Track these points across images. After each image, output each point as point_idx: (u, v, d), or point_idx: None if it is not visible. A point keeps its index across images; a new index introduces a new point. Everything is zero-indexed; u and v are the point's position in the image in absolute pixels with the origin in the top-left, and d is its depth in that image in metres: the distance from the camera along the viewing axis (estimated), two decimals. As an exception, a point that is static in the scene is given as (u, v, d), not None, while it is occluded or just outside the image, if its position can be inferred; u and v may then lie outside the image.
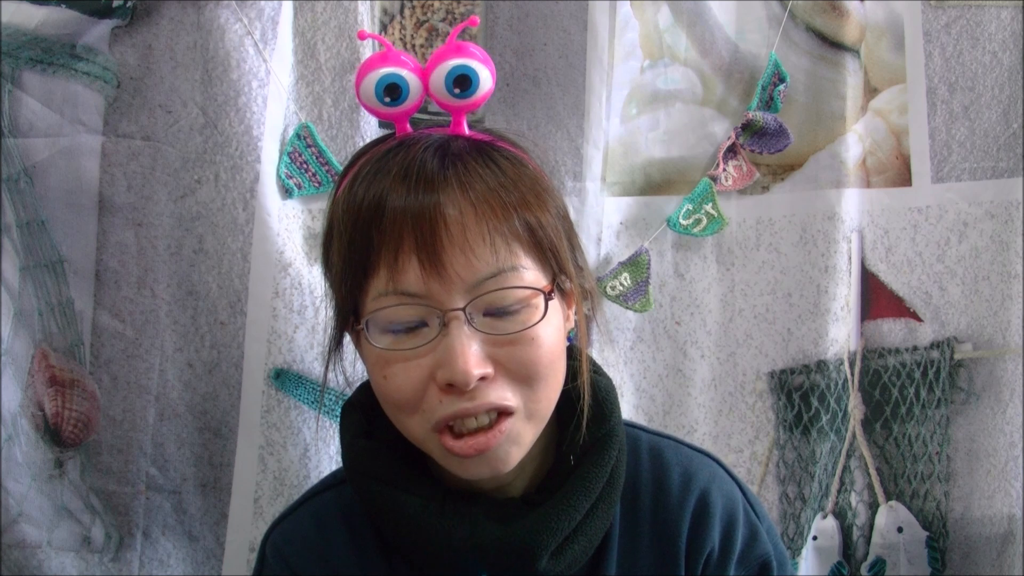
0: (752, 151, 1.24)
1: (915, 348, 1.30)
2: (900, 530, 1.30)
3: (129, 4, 1.06)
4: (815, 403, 1.27)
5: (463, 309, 0.74)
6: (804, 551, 1.29)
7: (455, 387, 0.74)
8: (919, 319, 1.29)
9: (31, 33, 1.03)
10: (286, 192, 1.14)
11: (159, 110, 1.09)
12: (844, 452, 1.30)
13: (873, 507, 1.31)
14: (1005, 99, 1.27)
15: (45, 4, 1.02)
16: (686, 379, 1.26)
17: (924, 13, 1.25)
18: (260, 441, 1.14)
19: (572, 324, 0.84)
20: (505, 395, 0.76)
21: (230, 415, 1.14)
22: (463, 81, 0.80)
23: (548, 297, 0.77)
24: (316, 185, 1.15)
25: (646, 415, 1.25)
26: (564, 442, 0.84)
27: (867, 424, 1.30)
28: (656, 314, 1.25)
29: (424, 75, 0.81)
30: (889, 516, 1.31)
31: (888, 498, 1.31)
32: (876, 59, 1.26)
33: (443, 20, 1.18)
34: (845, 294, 1.26)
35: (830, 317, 1.26)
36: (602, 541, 0.85)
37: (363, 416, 0.86)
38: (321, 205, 1.16)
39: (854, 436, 1.30)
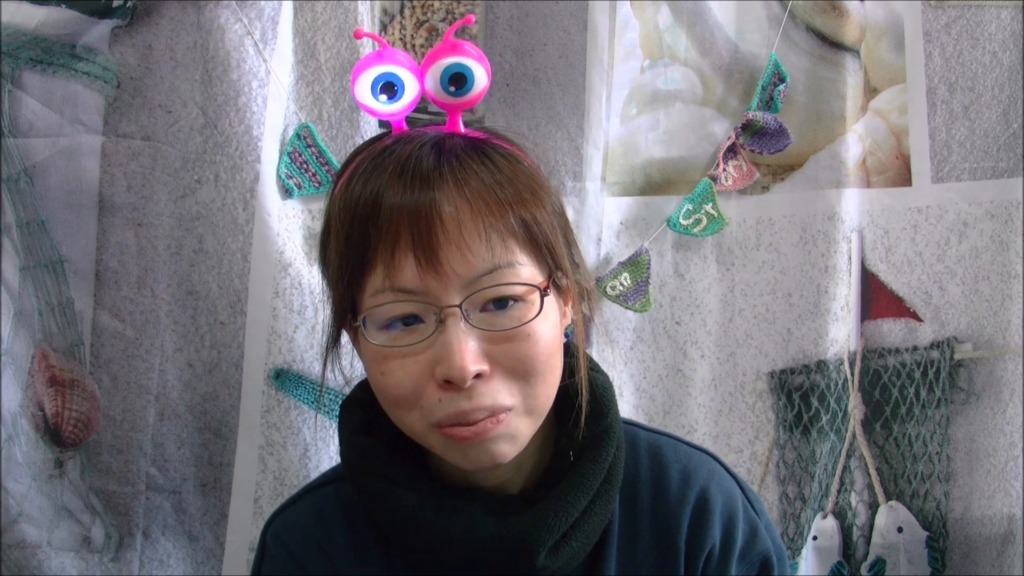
0: (752, 151, 1.24)
1: (915, 348, 1.30)
2: (900, 530, 1.30)
3: (129, 4, 1.06)
4: (815, 403, 1.27)
5: (459, 305, 0.74)
6: (804, 551, 1.29)
7: (452, 383, 0.74)
8: (919, 319, 1.29)
9: (31, 33, 1.03)
10: (286, 192, 1.14)
11: (159, 110, 1.09)
12: (844, 452, 1.30)
13: (873, 507, 1.31)
14: (1005, 99, 1.27)
15: (45, 4, 1.02)
16: (686, 379, 1.26)
17: (924, 13, 1.25)
18: (260, 441, 1.14)
19: (569, 321, 0.84)
20: (501, 396, 0.76)
21: (230, 415, 1.14)
22: (458, 79, 0.80)
23: (544, 293, 0.77)
24: (316, 185, 1.15)
25: (646, 415, 1.25)
26: (561, 439, 0.84)
27: (867, 424, 1.30)
28: (656, 314, 1.25)
29: (420, 73, 0.81)
30: (889, 516, 1.31)
31: (888, 498, 1.31)
32: (876, 59, 1.26)
33: (443, 20, 1.18)
34: (845, 294, 1.26)
35: (830, 317, 1.26)
36: (601, 538, 0.85)
37: (362, 413, 0.86)
38: (321, 205, 1.15)
39: (854, 436, 1.30)
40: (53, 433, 1.12)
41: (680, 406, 1.26)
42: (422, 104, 1.20)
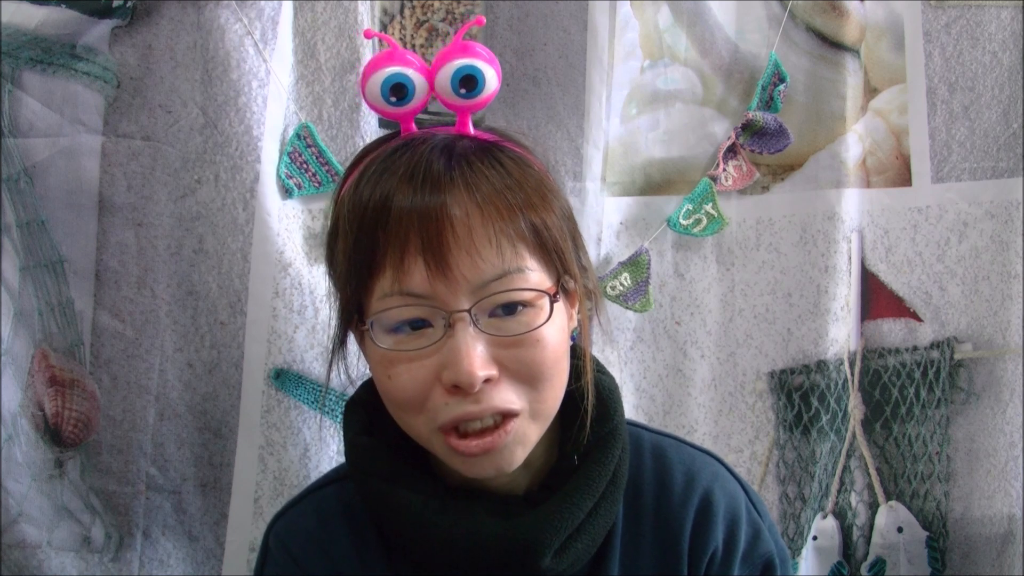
0: (752, 151, 1.24)
1: (915, 348, 1.30)
2: (900, 530, 1.30)
3: (129, 4, 1.06)
4: (815, 403, 1.27)
5: (468, 311, 0.74)
6: (804, 551, 1.29)
7: (460, 388, 0.74)
8: (919, 319, 1.29)
9: (31, 33, 1.03)
10: (286, 192, 1.14)
11: (159, 110, 1.09)
12: (844, 452, 1.30)
13: (873, 507, 1.31)
14: (1005, 99, 1.27)
15: (45, 4, 1.02)
16: (686, 379, 1.26)
17: (924, 13, 1.25)
18: (260, 441, 1.14)
19: (575, 324, 0.84)
20: (510, 398, 0.76)
21: (230, 415, 1.14)
22: (469, 81, 0.80)
23: (553, 299, 0.77)
24: (316, 185, 1.15)
25: (646, 415, 1.25)
26: (567, 440, 0.84)
27: (867, 424, 1.30)
28: (656, 314, 1.25)
29: (430, 75, 0.80)
30: (889, 516, 1.31)
31: (888, 498, 1.31)
32: (876, 59, 1.26)
33: (443, 20, 1.18)
34: (845, 294, 1.26)
35: (830, 317, 1.26)
36: (604, 540, 0.85)
37: (365, 413, 0.86)
38: (321, 205, 1.16)
39: (854, 436, 1.30)
40: (53, 433, 1.12)
41: (680, 406, 1.26)
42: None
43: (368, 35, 0.84)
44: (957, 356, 1.30)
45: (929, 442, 1.30)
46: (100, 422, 1.12)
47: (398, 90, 0.80)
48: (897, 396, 1.30)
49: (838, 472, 1.30)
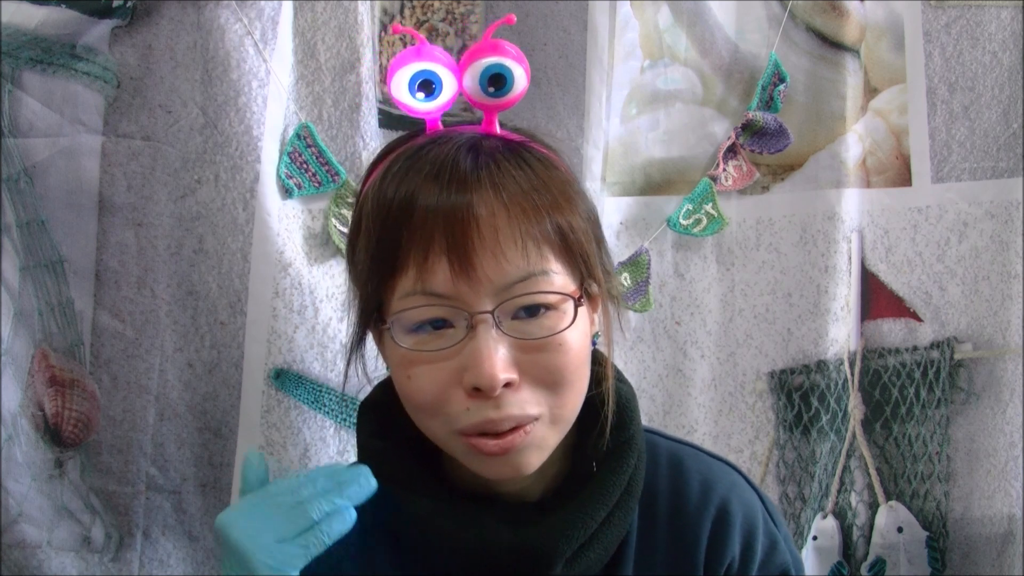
0: (752, 151, 1.24)
1: (915, 348, 1.30)
2: (900, 530, 1.30)
3: (129, 4, 1.06)
4: (815, 403, 1.27)
5: (491, 312, 0.73)
6: (804, 551, 1.29)
7: (481, 391, 0.73)
8: (919, 319, 1.29)
9: (31, 33, 1.03)
10: (286, 192, 1.14)
11: (159, 110, 1.09)
12: (844, 452, 1.30)
13: (873, 507, 1.31)
14: (1005, 99, 1.27)
15: (45, 4, 1.02)
16: (686, 379, 1.26)
17: (924, 13, 1.25)
18: (260, 441, 1.14)
19: (596, 328, 0.83)
20: (530, 405, 0.75)
21: (230, 415, 1.14)
22: (498, 80, 0.78)
23: (577, 303, 0.76)
24: (316, 185, 1.14)
25: (646, 415, 1.25)
26: (582, 447, 0.83)
27: (867, 424, 1.30)
28: (656, 314, 1.25)
29: (458, 72, 0.79)
30: (889, 516, 1.31)
31: (888, 498, 1.31)
32: (876, 59, 1.26)
33: (443, 20, 1.18)
34: (845, 294, 1.26)
35: (830, 317, 1.26)
36: (618, 547, 0.84)
37: (378, 416, 0.85)
38: (321, 205, 1.16)
39: (854, 436, 1.30)
40: (53, 433, 1.12)
41: (680, 406, 1.26)
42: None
43: (397, 31, 0.83)
44: (957, 356, 1.30)
45: (929, 442, 1.30)
46: (100, 422, 1.12)
47: (425, 86, 0.78)
48: (897, 396, 1.30)
49: (838, 472, 1.30)
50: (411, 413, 0.79)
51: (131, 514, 1.14)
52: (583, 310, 0.77)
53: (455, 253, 0.72)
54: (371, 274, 0.77)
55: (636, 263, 1.22)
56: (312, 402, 1.14)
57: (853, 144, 1.25)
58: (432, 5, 1.18)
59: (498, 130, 0.81)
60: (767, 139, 1.24)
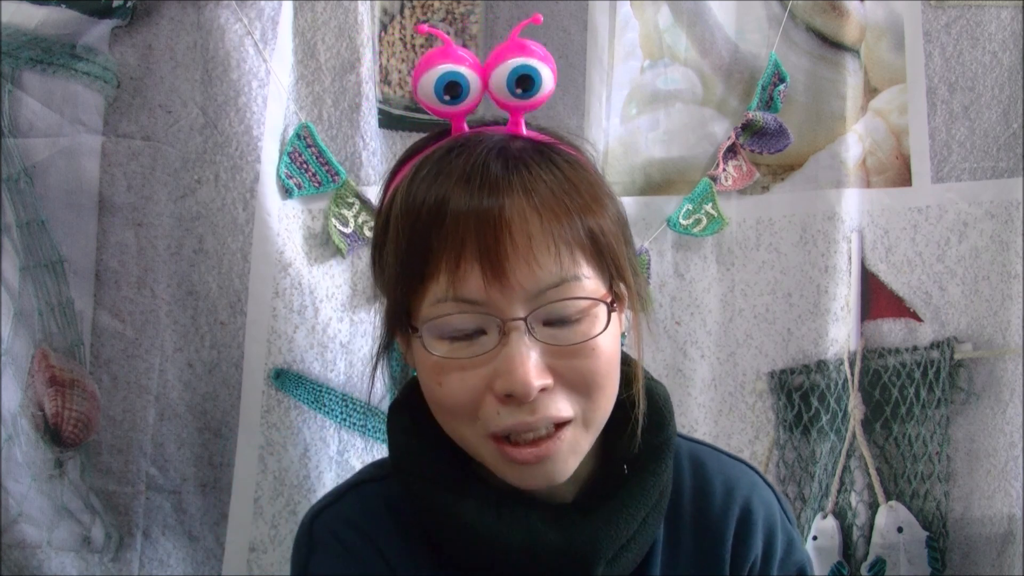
0: (752, 151, 1.24)
1: (915, 348, 1.30)
2: (900, 530, 1.30)
3: (129, 4, 1.06)
4: (815, 403, 1.27)
5: (524, 319, 0.72)
6: (804, 551, 1.29)
7: (514, 398, 0.73)
8: (919, 319, 1.29)
9: (31, 33, 1.03)
10: (286, 192, 1.14)
11: (159, 110, 1.09)
12: (844, 452, 1.30)
13: (873, 507, 1.31)
14: (1005, 99, 1.27)
15: (45, 4, 1.02)
16: (686, 379, 1.26)
17: (924, 13, 1.25)
18: (260, 441, 1.14)
19: (623, 329, 0.82)
20: (564, 407, 0.75)
21: (230, 415, 1.14)
22: (525, 81, 0.77)
23: (610, 307, 0.75)
24: (316, 185, 1.14)
25: (646, 415, 1.25)
26: (612, 448, 0.82)
27: (867, 424, 1.30)
28: (656, 314, 1.25)
29: (484, 72, 0.78)
30: (889, 516, 1.31)
31: (888, 498, 1.31)
32: (876, 59, 1.26)
33: (443, 20, 1.18)
34: (845, 294, 1.26)
35: (830, 317, 1.26)
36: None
37: (411, 417, 0.84)
38: (321, 205, 1.15)
39: (854, 436, 1.30)
40: (53, 433, 1.12)
41: (680, 406, 1.26)
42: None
43: (421, 31, 0.81)
44: (957, 356, 1.30)
45: (929, 442, 1.30)
46: (100, 422, 1.12)
47: (452, 88, 0.77)
48: (897, 396, 1.30)
49: (838, 472, 1.30)
50: (440, 418, 0.78)
51: (131, 514, 1.14)
52: (614, 314, 0.77)
53: (487, 259, 0.71)
54: (400, 279, 0.76)
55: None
56: (312, 402, 1.14)
57: (853, 144, 1.25)
58: (432, 5, 1.18)
59: (524, 131, 0.80)
60: (767, 139, 1.24)
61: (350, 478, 0.93)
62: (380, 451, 1.18)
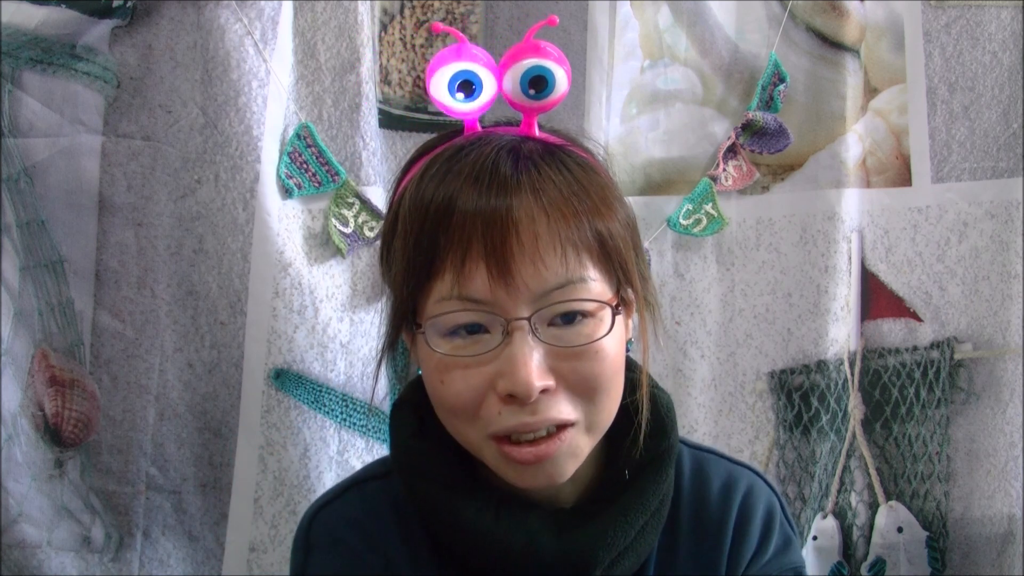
0: (752, 151, 1.24)
1: (915, 348, 1.30)
2: (900, 530, 1.30)
3: (129, 4, 1.06)
4: (815, 403, 1.27)
5: (528, 319, 0.72)
6: (804, 551, 1.29)
7: (516, 398, 0.73)
8: (919, 319, 1.29)
9: (31, 33, 1.03)
10: (286, 192, 1.14)
11: (159, 110, 1.09)
12: (844, 452, 1.30)
13: (873, 507, 1.31)
14: (1005, 99, 1.27)
15: (45, 4, 1.02)
16: (686, 379, 1.26)
17: (924, 13, 1.25)
18: (260, 441, 1.14)
19: (630, 334, 0.82)
20: (566, 409, 0.74)
21: (230, 415, 1.14)
22: (539, 82, 0.77)
23: (615, 311, 0.75)
24: (316, 185, 1.14)
25: (646, 415, 1.25)
26: (615, 453, 0.82)
27: (867, 424, 1.30)
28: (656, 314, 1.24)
29: (498, 73, 0.78)
30: (889, 516, 1.31)
31: (888, 498, 1.31)
32: (876, 59, 1.26)
33: (443, 20, 1.18)
34: (845, 294, 1.26)
35: (830, 317, 1.26)
36: None
37: (415, 415, 0.84)
38: (321, 205, 1.16)
39: (854, 436, 1.30)
40: (53, 433, 1.12)
41: (680, 406, 1.26)
42: (423, 103, 1.20)
43: (437, 29, 0.81)
44: (957, 356, 1.30)
45: (929, 442, 1.30)
46: (100, 422, 1.12)
47: (465, 87, 0.77)
48: (897, 396, 1.30)
49: (838, 472, 1.30)
50: (443, 417, 0.78)
51: (131, 514, 1.14)
52: (619, 317, 0.76)
53: (493, 259, 0.71)
54: (407, 276, 0.76)
55: (636, 263, 1.22)
56: (312, 402, 1.14)
57: (853, 144, 1.25)
58: (432, 5, 1.18)
59: (537, 132, 0.80)
60: (767, 139, 1.24)
61: (352, 475, 0.93)
62: (380, 451, 1.18)
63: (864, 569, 1.31)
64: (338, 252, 1.15)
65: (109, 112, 1.09)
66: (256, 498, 1.15)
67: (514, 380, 0.72)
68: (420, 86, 1.19)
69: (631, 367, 0.82)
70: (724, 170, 1.23)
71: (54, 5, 1.02)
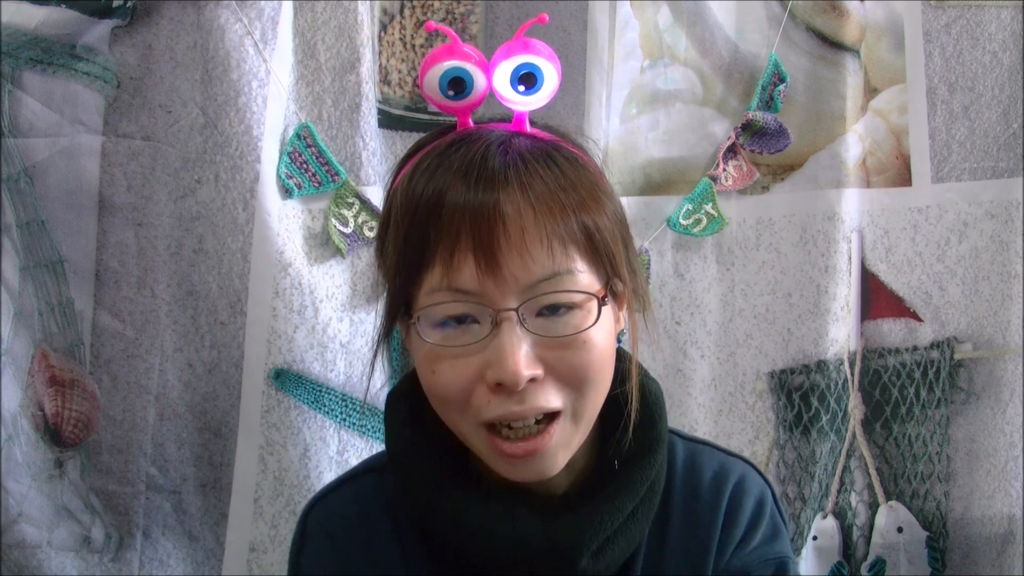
0: (752, 151, 1.24)
1: (915, 348, 1.30)
2: (900, 530, 1.30)
3: (129, 4, 1.06)
4: (815, 403, 1.27)
5: (516, 310, 0.74)
6: (804, 551, 1.29)
7: (504, 387, 0.74)
8: (919, 319, 1.29)
9: (31, 33, 1.03)
10: (286, 192, 1.14)
11: (159, 110, 1.09)
12: (844, 452, 1.30)
13: (873, 507, 1.31)
14: (1005, 99, 1.27)
15: (45, 4, 1.02)
16: (686, 379, 1.26)
17: (924, 13, 1.25)
18: (260, 441, 1.14)
19: (622, 327, 0.83)
20: (553, 398, 0.76)
21: (230, 415, 1.14)
22: (528, 79, 0.78)
23: (601, 302, 0.76)
24: (316, 185, 1.15)
25: (646, 415, 1.25)
26: (608, 443, 0.84)
27: (867, 424, 1.30)
28: (656, 314, 1.25)
29: (488, 69, 0.79)
30: (889, 516, 1.31)
31: (888, 498, 1.31)
32: (876, 59, 1.26)
33: (443, 20, 1.18)
34: (845, 294, 1.26)
35: (830, 317, 1.26)
36: None
37: (409, 406, 0.86)
38: (321, 205, 1.16)
39: (854, 436, 1.30)
40: (53, 433, 1.12)
41: (680, 406, 1.26)
42: (423, 103, 1.20)
43: (429, 28, 0.83)
44: (957, 356, 1.30)
45: (929, 442, 1.30)
46: (100, 422, 1.12)
47: (456, 84, 0.78)
48: (897, 396, 1.30)
49: (838, 472, 1.30)
50: (436, 407, 0.80)
51: (131, 514, 1.14)
52: (607, 309, 0.78)
53: (481, 251, 0.73)
54: (399, 269, 0.77)
55: (636, 263, 1.22)
56: (312, 402, 1.14)
57: (853, 144, 1.25)
58: (432, 5, 1.18)
59: (528, 128, 0.81)
60: (767, 139, 1.24)
61: (351, 468, 0.95)
62: (380, 450, 1.18)
63: (864, 569, 1.31)
64: (338, 252, 1.15)
65: (109, 112, 1.09)
66: (256, 498, 1.15)
67: (502, 369, 0.73)
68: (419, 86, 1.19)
69: (622, 357, 0.83)
70: (724, 170, 1.23)
71: (54, 5, 1.02)
